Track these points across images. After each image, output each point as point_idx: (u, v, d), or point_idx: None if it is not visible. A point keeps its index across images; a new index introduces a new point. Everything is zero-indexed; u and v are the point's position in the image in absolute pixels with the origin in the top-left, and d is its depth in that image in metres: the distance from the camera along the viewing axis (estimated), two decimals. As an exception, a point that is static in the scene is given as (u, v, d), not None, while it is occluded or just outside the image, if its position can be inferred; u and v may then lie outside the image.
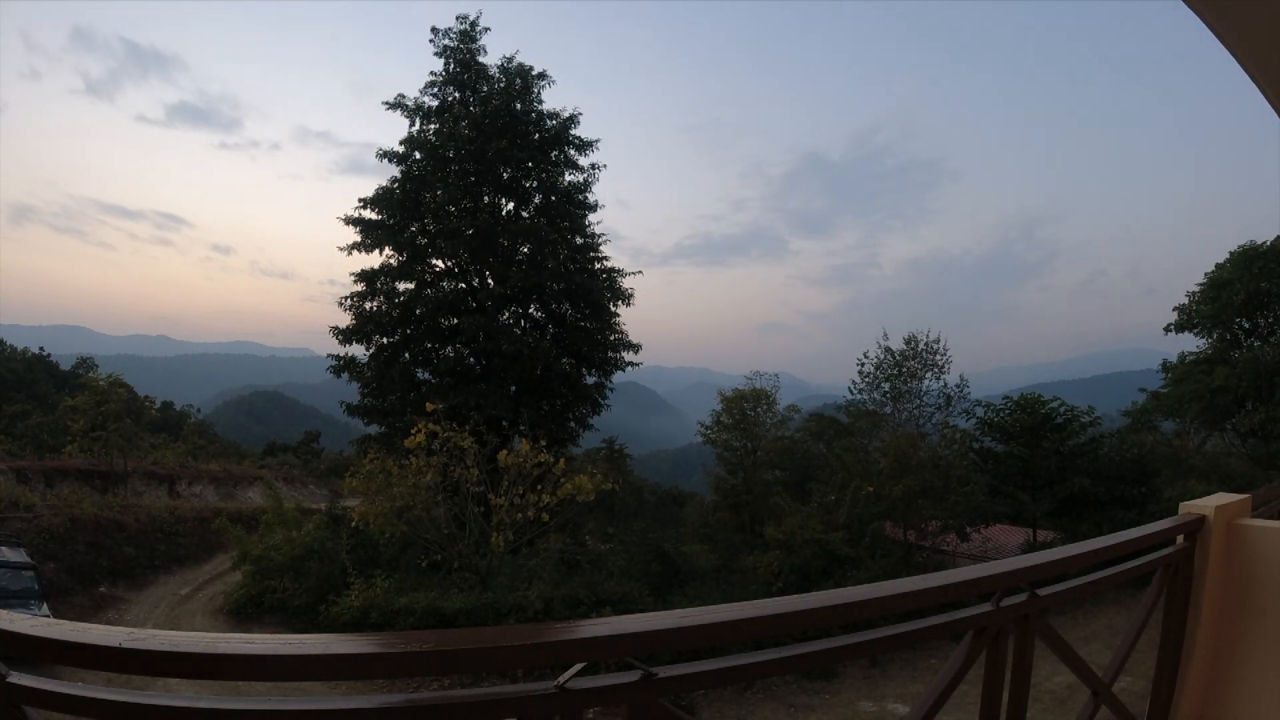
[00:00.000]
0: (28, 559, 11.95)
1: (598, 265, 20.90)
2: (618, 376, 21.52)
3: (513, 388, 19.23)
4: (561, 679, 1.24)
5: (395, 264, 19.64)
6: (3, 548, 12.01)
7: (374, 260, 19.88)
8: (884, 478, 15.59)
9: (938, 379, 19.49)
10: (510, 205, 20.51)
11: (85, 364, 54.72)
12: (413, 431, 13.44)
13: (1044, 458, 17.26)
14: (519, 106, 19.79)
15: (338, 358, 20.08)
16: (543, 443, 13.99)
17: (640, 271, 21.87)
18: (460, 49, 19.85)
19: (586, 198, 20.86)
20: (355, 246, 19.68)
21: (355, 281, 19.84)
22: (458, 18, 20.08)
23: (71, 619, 7.80)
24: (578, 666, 1.25)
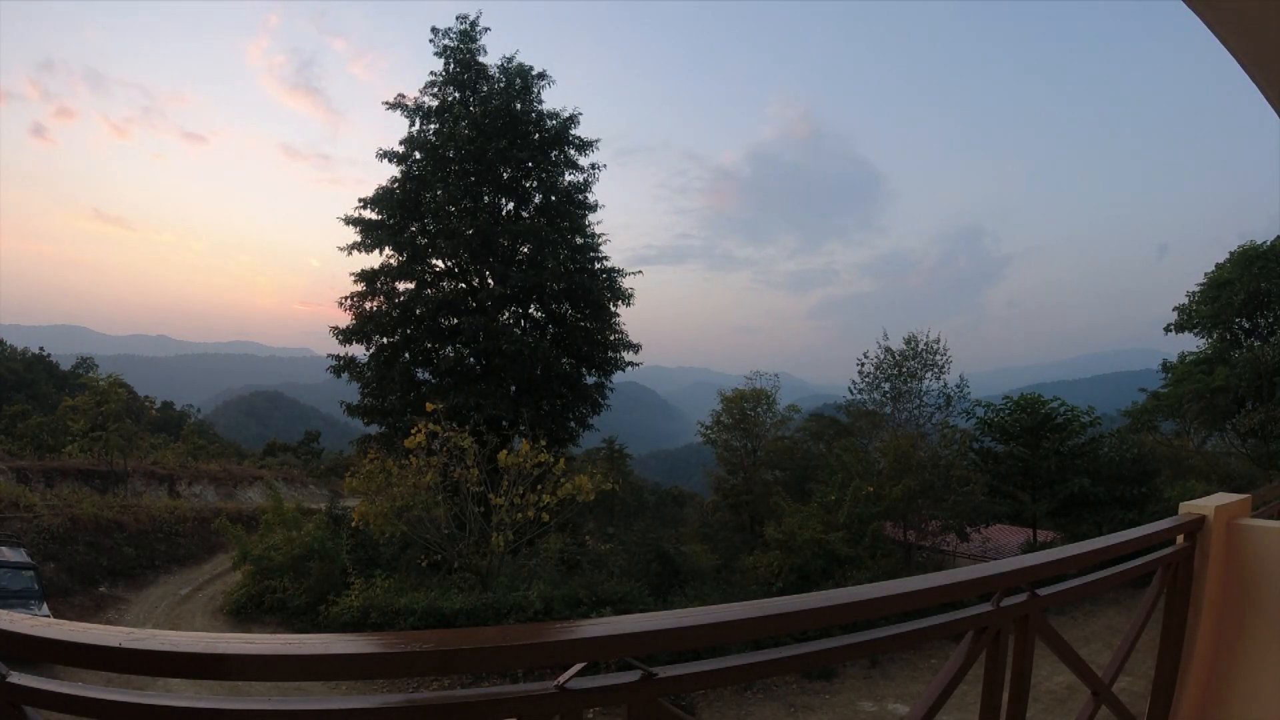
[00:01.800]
0: (28, 559, 11.94)
1: (597, 265, 20.88)
2: (618, 376, 21.52)
3: (513, 388, 19.22)
4: (561, 679, 1.24)
5: (395, 264, 19.63)
6: (3, 548, 12.01)
7: (374, 260, 19.91)
8: (884, 478, 15.57)
9: (938, 379, 19.51)
10: (510, 205, 20.50)
11: (85, 364, 54.70)
12: (413, 431, 13.44)
13: (1044, 458, 17.23)
14: (519, 106, 19.80)
15: (338, 358, 20.08)
16: (543, 443, 13.96)
17: (640, 271, 21.82)
18: (460, 49, 19.86)
19: (586, 198, 20.86)
20: (355, 246, 19.67)
21: (355, 281, 19.86)
22: (458, 18, 20.13)
23: (71, 619, 7.81)
24: (578, 666, 1.25)
